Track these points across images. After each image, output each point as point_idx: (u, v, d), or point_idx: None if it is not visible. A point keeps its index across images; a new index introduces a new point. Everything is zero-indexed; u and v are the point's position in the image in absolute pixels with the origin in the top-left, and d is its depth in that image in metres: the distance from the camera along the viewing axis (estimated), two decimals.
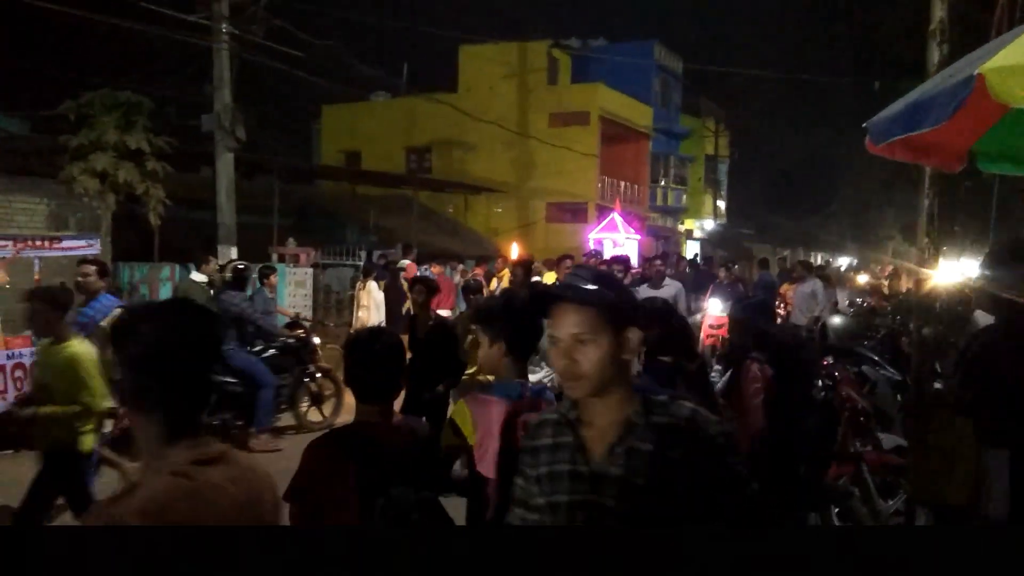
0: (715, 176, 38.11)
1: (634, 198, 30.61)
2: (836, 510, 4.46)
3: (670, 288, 7.67)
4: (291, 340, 7.88)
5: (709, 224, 37.73)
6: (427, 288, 5.88)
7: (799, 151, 38.19)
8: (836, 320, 6.59)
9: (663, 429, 1.54)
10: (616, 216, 17.73)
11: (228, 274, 7.45)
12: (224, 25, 11.41)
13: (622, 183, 30.00)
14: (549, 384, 4.45)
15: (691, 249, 32.93)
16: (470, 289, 6.54)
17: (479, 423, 2.03)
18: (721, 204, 39.89)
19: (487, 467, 2.11)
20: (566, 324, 1.57)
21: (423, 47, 30.18)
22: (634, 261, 16.47)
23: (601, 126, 28.62)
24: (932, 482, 2.99)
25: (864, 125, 3.03)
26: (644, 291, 7.59)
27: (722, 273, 11.29)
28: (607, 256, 12.86)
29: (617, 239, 17.18)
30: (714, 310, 8.83)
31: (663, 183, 34.19)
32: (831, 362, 5.08)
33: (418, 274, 9.25)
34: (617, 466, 1.53)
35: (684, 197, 35.69)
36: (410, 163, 30.00)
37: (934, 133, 2.67)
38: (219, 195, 11.62)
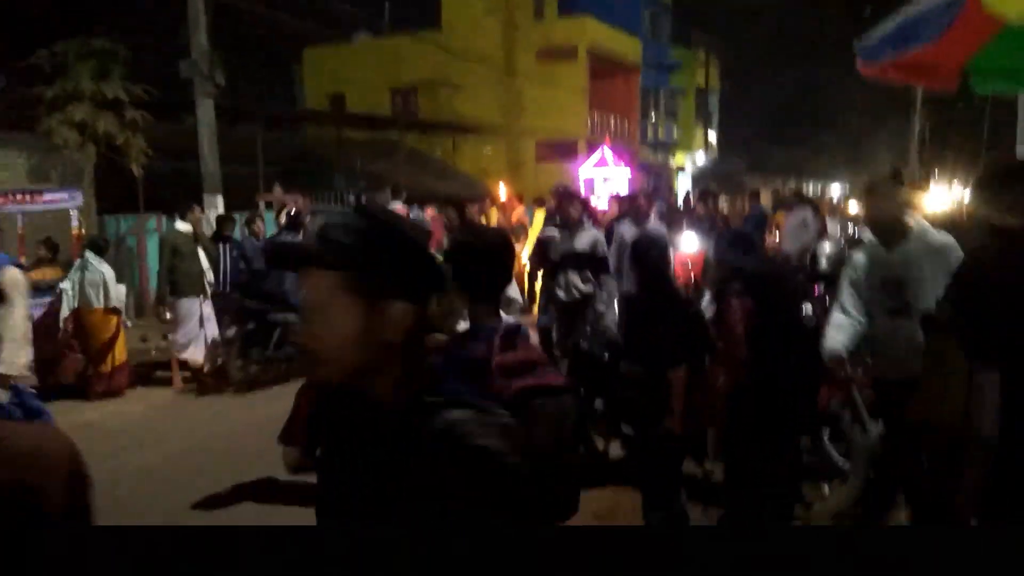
0: (706, 109, 37.60)
1: (625, 133, 30.26)
2: (827, 433, 4.54)
3: (656, 225, 7.48)
4: None
5: (701, 158, 37.41)
6: None
7: (791, 80, 37.64)
8: (826, 247, 6.56)
9: (421, 437, 1.23)
10: (605, 149, 17.52)
11: (284, 219, 8.33)
12: None
13: (612, 118, 29.61)
14: None
15: (683, 183, 32.73)
16: None
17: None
18: (712, 138, 39.47)
19: None
20: (307, 288, 1.26)
21: None
22: (624, 192, 16.26)
23: (590, 61, 28.09)
24: (924, 403, 3.02)
25: (853, 46, 2.95)
26: (627, 229, 7.41)
27: (699, 207, 10.83)
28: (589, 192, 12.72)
29: (607, 174, 17.01)
30: (687, 246, 8.26)
31: (653, 117, 33.74)
32: (822, 289, 5.08)
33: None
34: (370, 475, 1.28)
35: (675, 131, 35.28)
36: (396, 105, 29.47)
37: (926, 53, 2.60)
38: (201, 143, 11.42)
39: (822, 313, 4.71)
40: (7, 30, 16.31)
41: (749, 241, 4.34)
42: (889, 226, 3.47)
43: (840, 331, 3.68)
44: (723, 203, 11.43)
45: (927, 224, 3.52)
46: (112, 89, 10.93)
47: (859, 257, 3.72)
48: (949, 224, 6.25)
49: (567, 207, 6.75)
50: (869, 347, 3.72)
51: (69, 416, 6.98)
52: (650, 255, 4.36)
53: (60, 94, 10.77)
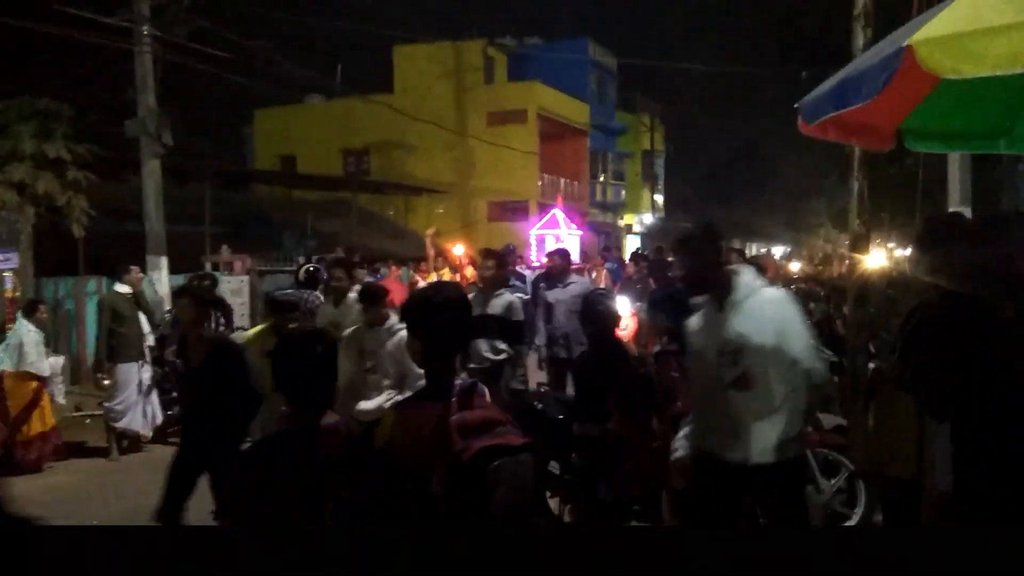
0: (652, 171, 38.70)
1: (574, 194, 30.82)
2: None
3: (576, 287, 6.85)
4: None
5: (648, 218, 38.28)
6: (195, 302, 4.47)
7: (732, 143, 39.06)
8: None
9: None
10: (557, 212, 17.79)
11: (302, 275, 8.15)
12: (145, 27, 11.00)
13: (562, 180, 30.19)
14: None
15: (632, 243, 33.32)
16: (282, 307, 5.33)
17: (414, 433, 1.92)
18: (659, 198, 40.51)
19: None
20: None
21: (357, 47, 29.85)
22: (575, 256, 16.38)
23: (539, 124, 28.76)
24: (877, 459, 3.03)
25: (796, 106, 3.04)
26: (552, 292, 6.93)
27: (630, 268, 10.20)
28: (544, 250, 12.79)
29: (559, 234, 17.22)
30: (620, 309, 7.62)
31: (602, 179, 34.52)
32: None
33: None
34: None
35: (623, 192, 36.11)
36: (348, 166, 29.61)
37: (864, 112, 2.68)
38: (146, 203, 11.21)
39: None
40: None
41: (680, 299, 4.35)
42: (711, 284, 3.09)
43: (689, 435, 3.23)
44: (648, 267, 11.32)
45: (755, 278, 3.12)
46: (54, 149, 10.69)
47: (692, 323, 3.23)
48: (891, 281, 6.41)
49: (481, 266, 6.02)
50: (705, 427, 3.16)
51: None
52: (597, 312, 4.36)
53: None
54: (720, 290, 3.05)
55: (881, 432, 3.04)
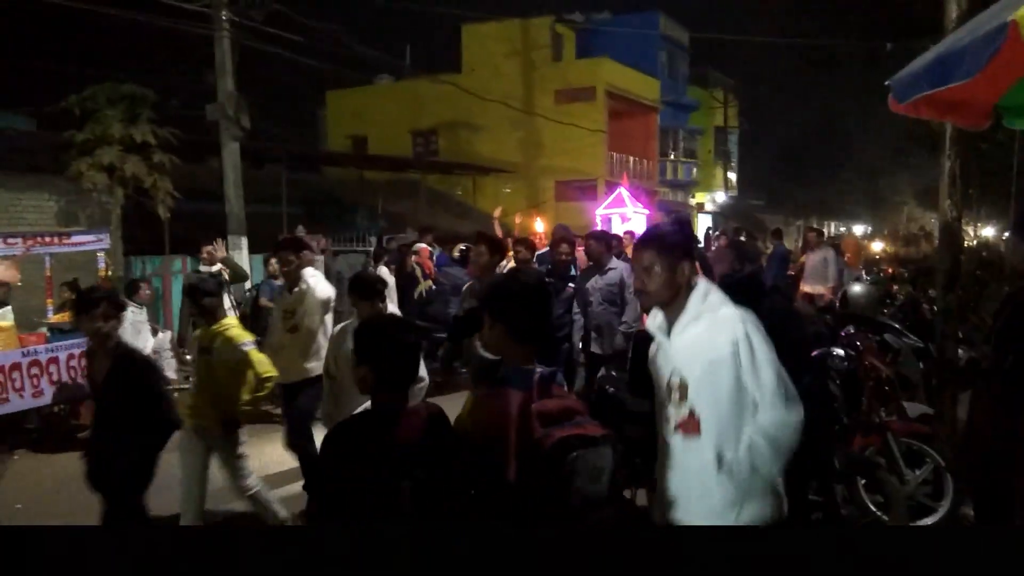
0: (725, 148, 37.78)
1: (644, 173, 30.38)
2: (863, 481, 4.39)
3: (615, 273, 6.37)
4: None
5: (721, 197, 37.45)
6: (112, 305, 3.75)
7: (809, 119, 37.74)
8: (856, 288, 6.47)
9: None
10: (623, 190, 17.54)
11: (456, 253, 9.70)
12: (224, 12, 11.30)
13: (631, 158, 29.77)
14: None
15: (703, 222, 32.72)
16: (199, 292, 4.57)
17: (494, 418, 1.94)
18: (732, 176, 39.56)
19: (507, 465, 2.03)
20: None
21: (425, 27, 30.02)
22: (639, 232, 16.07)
23: (608, 101, 28.36)
24: (967, 453, 2.92)
25: (887, 83, 2.91)
26: (590, 279, 6.56)
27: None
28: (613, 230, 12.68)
29: (625, 214, 16.99)
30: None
31: (673, 157, 33.91)
32: (853, 331, 4.97)
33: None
34: None
35: (694, 170, 35.38)
36: (417, 146, 29.89)
37: (960, 89, 2.56)
38: (226, 185, 11.57)
39: (856, 356, 4.59)
40: (38, 75, 16.76)
41: (755, 283, 4.20)
42: (661, 297, 2.39)
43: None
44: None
45: (709, 291, 2.40)
46: (140, 133, 11.13)
47: (652, 349, 2.58)
48: (981, 262, 6.14)
49: (473, 252, 5.41)
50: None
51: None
52: None
53: (90, 138, 10.99)
54: (669, 304, 2.39)
55: (973, 424, 2.92)
